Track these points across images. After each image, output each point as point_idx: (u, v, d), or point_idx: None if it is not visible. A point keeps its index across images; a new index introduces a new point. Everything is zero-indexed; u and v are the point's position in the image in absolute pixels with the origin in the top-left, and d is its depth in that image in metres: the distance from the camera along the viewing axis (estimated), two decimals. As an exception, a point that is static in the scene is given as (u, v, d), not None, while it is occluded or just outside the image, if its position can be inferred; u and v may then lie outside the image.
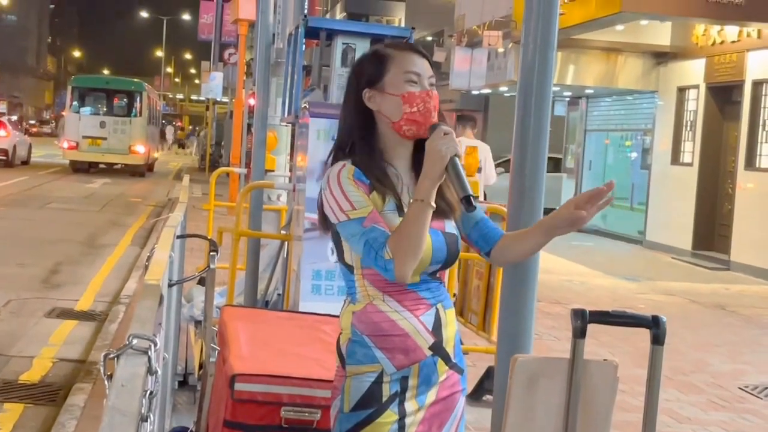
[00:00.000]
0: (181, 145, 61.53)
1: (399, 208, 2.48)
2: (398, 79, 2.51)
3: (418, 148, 2.53)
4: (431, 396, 2.53)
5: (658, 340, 2.51)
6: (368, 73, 2.57)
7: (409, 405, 2.50)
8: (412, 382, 2.50)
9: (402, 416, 2.49)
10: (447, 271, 2.62)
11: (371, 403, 2.49)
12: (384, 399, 2.49)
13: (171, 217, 5.01)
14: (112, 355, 1.87)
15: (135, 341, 1.89)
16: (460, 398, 2.60)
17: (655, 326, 2.51)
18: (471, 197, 2.33)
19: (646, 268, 14.65)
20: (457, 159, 2.38)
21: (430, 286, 2.52)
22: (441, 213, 2.52)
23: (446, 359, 2.54)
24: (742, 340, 9.31)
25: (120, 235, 14.73)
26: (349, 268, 2.54)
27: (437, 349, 2.51)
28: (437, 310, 2.52)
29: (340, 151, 2.59)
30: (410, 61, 2.54)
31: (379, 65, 2.55)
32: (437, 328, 2.51)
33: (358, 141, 2.56)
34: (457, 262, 2.58)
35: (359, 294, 2.52)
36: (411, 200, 2.43)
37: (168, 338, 3.89)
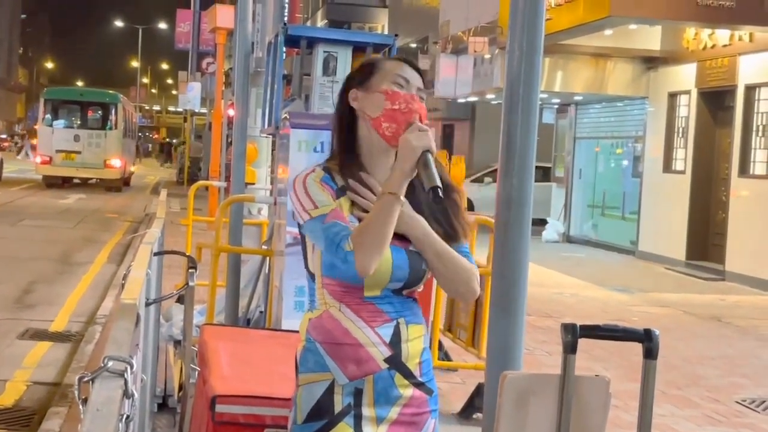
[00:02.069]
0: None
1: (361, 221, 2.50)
2: (385, 80, 2.58)
3: None
4: (393, 413, 2.52)
5: (650, 354, 2.51)
6: (357, 76, 2.64)
7: (366, 419, 2.50)
8: (367, 395, 2.50)
9: (358, 430, 2.49)
10: (420, 289, 2.61)
11: (323, 414, 2.50)
12: (336, 410, 2.49)
13: (148, 233, 5.00)
14: (86, 378, 1.86)
15: (110, 363, 1.88)
16: (428, 420, 2.58)
17: (647, 340, 2.51)
18: (438, 188, 2.37)
19: (638, 279, 14.68)
20: (429, 155, 2.42)
21: (392, 301, 2.53)
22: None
23: (407, 375, 2.53)
24: (739, 353, 9.33)
25: (96, 253, 14.66)
26: (312, 276, 2.58)
27: (394, 363, 2.51)
28: (398, 324, 2.52)
29: (329, 158, 2.65)
30: (400, 67, 2.61)
31: (369, 69, 2.63)
32: (396, 342, 2.51)
33: (338, 143, 2.62)
34: (423, 281, 2.58)
35: (318, 302, 2.56)
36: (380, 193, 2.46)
37: (146, 359, 3.87)
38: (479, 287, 2.61)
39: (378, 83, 2.58)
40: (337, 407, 2.49)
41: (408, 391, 2.54)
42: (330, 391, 2.50)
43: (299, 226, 2.57)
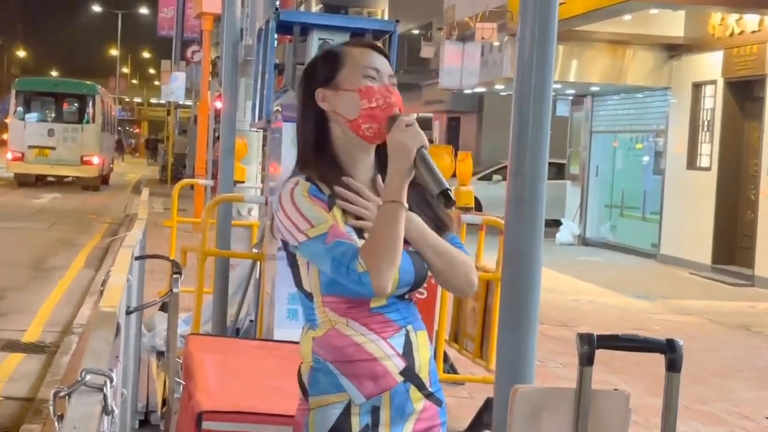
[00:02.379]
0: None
1: (357, 230, 2.49)
2: (355, 74, 2.54)
3: (381, 155, 2.54)
4: (407, 429, 2.54)
5: (674, 366, 2.51)
6: (321, 71, 2.60)
7: None
8: (384, 413, 2.51)
9: None
10: (420, 292, 2.64)
11: None
12: None
13: (128, 235, 5.00)
14: (62, 393, 1.86)
15: (88, 377, 1.88)
16: None
17: (670, 351, 2.51)
18: (448, 191, 2.36)
19: (660, 284, 14.70)
20: (425, 151, 2.41)
21: (398, 307, 2.54)
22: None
23: (420, 387, 2.55)
24: (769, 364, 9.34)
25: (72, 257, 14.68)
26: (308, 296, 2.55)
27: (409, 374, 2.52)
28: (407, 332, 2.54)
29: (300, 165, 2.60)
30: (368, 56, 2.57)
31: (333, 62, 2.59)
32: (408, 352, 2.52)
33: (312, 151, 2.58)
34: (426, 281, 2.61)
35: (320, 320, 2.54)
36: (381, 203, 2.45)
37: (127, 372, 3.88)
38: (477, 279, 2.62)
39: (347, 79, 2.54)
40: (355, 429, 2.49)
41: (420, 404, 2.55)
42: (346, 412, 2.49)
43: (287, 245, 2.53)
